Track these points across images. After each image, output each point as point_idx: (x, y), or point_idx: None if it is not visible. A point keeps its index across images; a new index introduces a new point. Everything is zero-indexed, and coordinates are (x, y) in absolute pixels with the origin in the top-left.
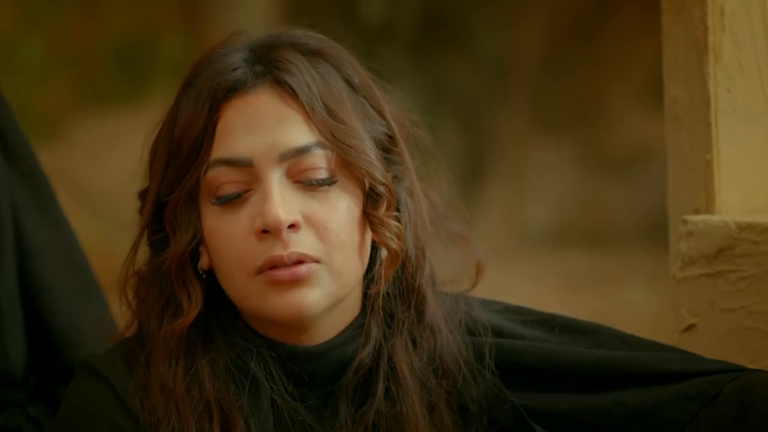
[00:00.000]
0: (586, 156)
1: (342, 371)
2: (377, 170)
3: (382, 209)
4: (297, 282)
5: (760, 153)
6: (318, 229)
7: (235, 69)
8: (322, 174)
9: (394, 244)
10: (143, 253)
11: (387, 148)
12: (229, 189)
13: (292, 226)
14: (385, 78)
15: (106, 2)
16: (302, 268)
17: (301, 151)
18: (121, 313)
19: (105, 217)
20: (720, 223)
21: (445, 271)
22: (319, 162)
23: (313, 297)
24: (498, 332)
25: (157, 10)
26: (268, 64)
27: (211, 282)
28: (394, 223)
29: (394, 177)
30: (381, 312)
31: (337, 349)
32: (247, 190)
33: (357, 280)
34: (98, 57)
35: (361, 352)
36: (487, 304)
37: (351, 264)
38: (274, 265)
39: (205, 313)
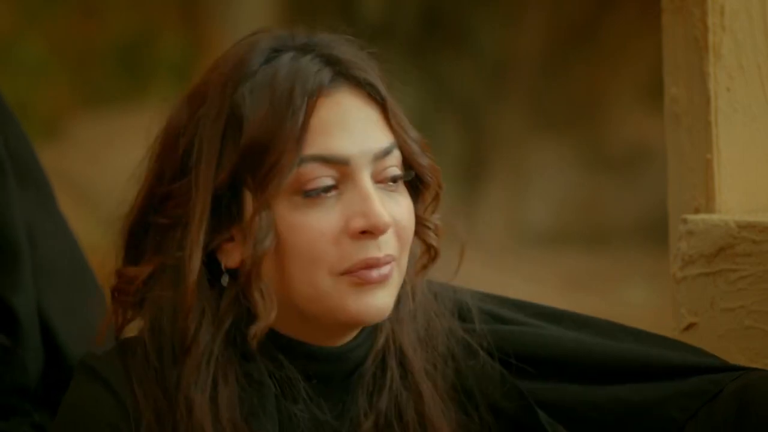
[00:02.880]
0: (586, 155)
1: (358, 367)
2: (430, 174)
3: (427, 207)
4: (381, 283)
5: (760, 153)
6: (398, 229)
7: (318, 71)
8: (397, 171)
9: (435, 241)
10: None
11: None
12: (320, 183)
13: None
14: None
15: (106, 2)
16: (387, 270)
17: (387, 153)
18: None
19: (104, 217)
20: (720, 222)
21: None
22: (395, 161)
23: (387, 297)
24: (495, 319)
25: (156, 10)
26: (340, 65)
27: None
28: (434, 221)
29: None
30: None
31: (356, 350)
32: (337, 188)
33: None
34: (98, 57)
35: (376, 344)
36: (483, 295)
37: (406, 262)
38: (369, 266)
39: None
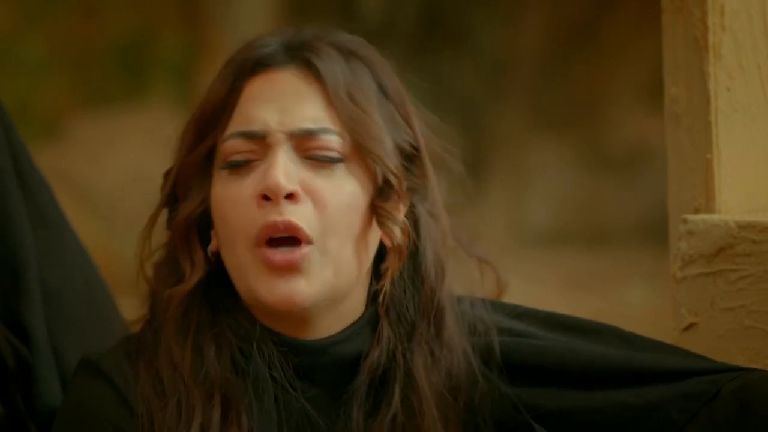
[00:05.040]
0: (586, 155)
1: (350, 371)
2: (390, 160)
3: (391, 202)
4: (290, 269)
5: (760, 153)
6: (317, 203)
7: (266, 47)
8: (331, 153)
9: (398, 239)
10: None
11: (409, 157)
12: (238, 157)
13: (291, 196)
14: None
15: (105, 2)
16: (296, 254)
17: (310, 134)
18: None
19: (104, 217)
20: (720, 222)
21: (462, 284)
22: (330, 144)
23: (306, 287)
24: (501, 331)
25: (156, 10)
26: (300, 49)
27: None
28: (400, 217)
29: (412, 189)
30: (395, 314)
31: (338, 345)
32: (256, 159)
33: (357, 273)
34: (98, 57)
35: (373, 352)
36: (489, 305)
37: (347, 251)
38: (270, 233)
39: (211, 295)
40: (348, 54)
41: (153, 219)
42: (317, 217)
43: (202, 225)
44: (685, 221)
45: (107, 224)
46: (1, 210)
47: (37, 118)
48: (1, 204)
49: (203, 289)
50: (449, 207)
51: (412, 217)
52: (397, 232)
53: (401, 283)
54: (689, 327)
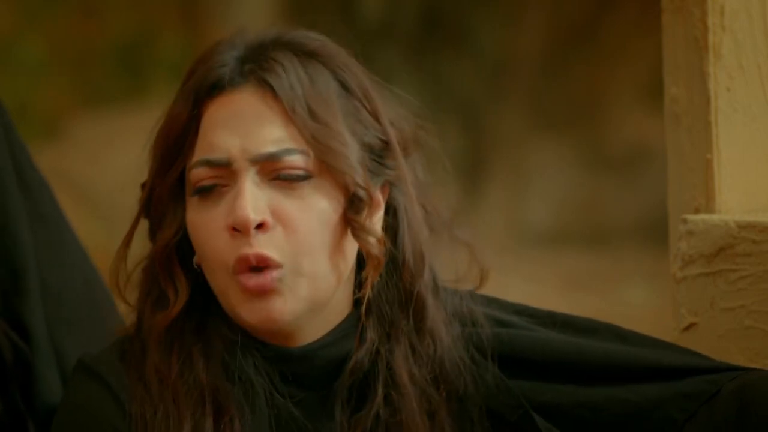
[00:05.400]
0: (586, 155)
1: (336, 373)
2: (357, 174)
3: (363, 214)
4: (264, 292)
5: (760, 153)
6: (286, 227)
7: (223, 66)
8: (297, 172)
9: (375, 250)
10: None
11: (380, 153)
12: (206, 182)
13: (261, 226)
14: (384, 77)
15: (105, 2)
16: (267, 278)
17: (274, 156)
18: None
19: (104, 217)
20: (720, 222)
21: (449, 273)
22: (295, 164)
23: (283, 306)
24: (496, 323)
25: (156, 10)
26: (255, 64)
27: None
28: (375, 228)
29: (388, 182)
30: (376, 313)
31: (324, 349)
32: (224, 185)
33: (336, 283)
34: (98, 57)
35: (357, 354)
36: (484, 299)
37: (322, 267)
38: (244, 265)
39: (197, 308)
40: (306, 57)
41: (129, 236)
42: (288, 241)
43: (183, 241)
44: (685, 221)
45: (107, 224)
46: (0, 209)
47: (37, 118)
48: (0, 203)
49: (187, 304)
50: (429, 186)
51: (391, 209)
52: (373, 242)
53: (380, 279)
54: (689, 327)
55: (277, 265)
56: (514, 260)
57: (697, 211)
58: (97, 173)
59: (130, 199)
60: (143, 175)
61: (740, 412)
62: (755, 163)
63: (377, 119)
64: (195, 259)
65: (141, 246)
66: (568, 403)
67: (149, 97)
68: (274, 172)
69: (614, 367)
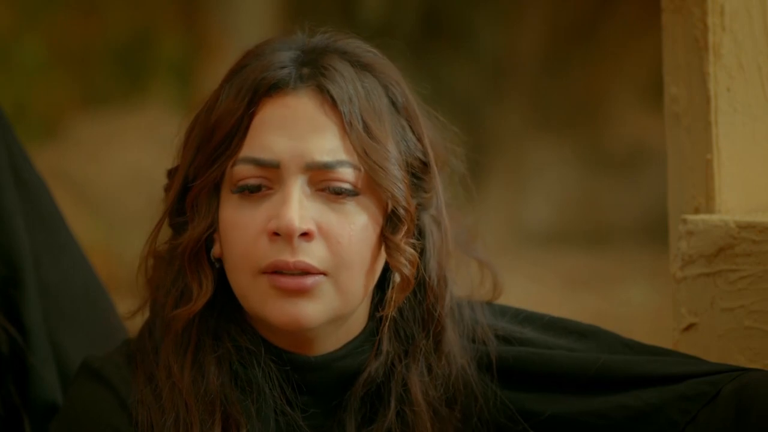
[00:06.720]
0: (586, 155)
1: (349, 384)
2: (401, 193)
3: (401, 234)
4: (300, 293)
5: (760, 153)
6: (330, 241)
7: (282, 67)
8: (346, 186)
9: (407, 271)
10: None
11: (418, 173)
12: (252, 181)
13: (305, 234)
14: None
15: (105, 2)
16: (308, 280)
17: (328, 166)
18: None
19: (104, 216)
20: (720, 222)
21: (462, 286)
22: (346, 177)
23: (313, 310)
24: (502, 338)
25: (156, 10)
26: (315, 69)
27: (222, 278)
28: (409, 249)
29: (420, 204)
30: (395, 328)
31: (339, 361)
32: (269, 187)
33: (362, 298)
34: (97, 56)
35: (370, 366)
36: (496, 310)
37: (357, 283)
38: (279, 269)
39: (215, 308)
40: (362, 69)
41: (158, 226)
42: (330, 252)
43: (209, 236)
44: (685, 221)
45: (107, 224)
46: None
47: (36, 118)
48: None
49: (206, 304)
50: (450, 207)
51: (417, 228)
52: (406, 263)
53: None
54: (689, 327)
55: (319, 272)
56: (514, 260)
57: (697, 211)
58: (96, 173)
59: (130, 199)
60: (143, 175)
61: (740, 412)
62: (755, 163)
63: (420, 139)
64: (213, 252)
65: (140, 246)
66: (572, 412)
67: (149, 97)
68: (323, 183)
69: (615, 375)
